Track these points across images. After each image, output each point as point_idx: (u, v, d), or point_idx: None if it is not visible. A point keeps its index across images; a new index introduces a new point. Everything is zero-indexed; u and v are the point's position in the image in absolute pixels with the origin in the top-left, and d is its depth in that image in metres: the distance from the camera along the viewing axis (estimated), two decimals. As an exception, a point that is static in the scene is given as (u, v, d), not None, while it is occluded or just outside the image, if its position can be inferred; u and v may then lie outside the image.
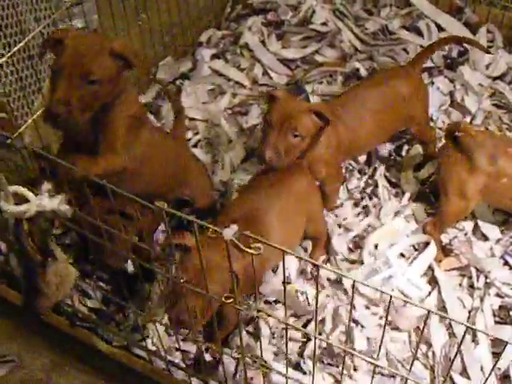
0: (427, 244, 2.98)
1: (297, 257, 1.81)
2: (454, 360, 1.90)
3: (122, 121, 2.35)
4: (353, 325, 2.76)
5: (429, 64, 3.83)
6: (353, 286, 1.73)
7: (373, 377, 2.07)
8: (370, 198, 3.22)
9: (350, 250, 3.03)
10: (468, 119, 3.54)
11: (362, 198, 3.21)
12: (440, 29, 4.04)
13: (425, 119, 3.26)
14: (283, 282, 2.20)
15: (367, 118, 3.01)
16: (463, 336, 1.73)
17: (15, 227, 1.93)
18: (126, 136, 2.37)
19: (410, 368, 1.95)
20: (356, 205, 3.19)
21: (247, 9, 4.26)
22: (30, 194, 1.88)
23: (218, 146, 3.41)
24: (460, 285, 2.92)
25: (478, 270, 2.92)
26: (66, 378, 2.78)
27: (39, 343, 2.87)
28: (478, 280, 2.89)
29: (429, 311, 1.69)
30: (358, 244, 3.04)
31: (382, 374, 2.65)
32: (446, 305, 2.80)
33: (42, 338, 2.88)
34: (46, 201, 1.88)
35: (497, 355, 2.67)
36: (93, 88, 2.17)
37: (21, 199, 1.88)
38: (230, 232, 1.67)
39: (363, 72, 3.75)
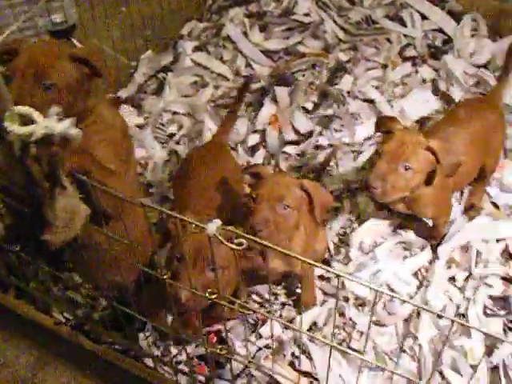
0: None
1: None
2: (441, 353, 1.87)
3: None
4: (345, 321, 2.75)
5: (412, 53, 3.81)
6: (338, 281, 1.72)
7: (359, 371, 2.09)
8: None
9: (337, 248, 3.00)
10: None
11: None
12: (424, 18, 4.02)
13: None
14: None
15: (467, 153, 2.82)
16: (449, 330, 1.71)
17: (21, 151, 1.79)
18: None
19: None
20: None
21: (229, 0, 4.22)
22: (36, 114, 1.73)
23: (200, 142, 3.36)
24: (453, 278, 2.88)
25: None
26: (51, 375, 2.75)
27: (23, 341, 2.84)
28: (475, 267, 2.86)
29: (418, 310, 1.66)
30: (343, 241, 3.01)
31: (370, 368, 2.62)
32: (433, 300, 2.77)
33: (25, 335, 2.85)
34: (54, 123, 1.73)
35: (488, 348, 2.66)
36: (49, 94, 2.01)
37: (28, 122, 1.74)
38: (213, 227, 1.66)
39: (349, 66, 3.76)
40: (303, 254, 2.50)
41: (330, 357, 2.05)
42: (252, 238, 1.69)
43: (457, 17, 4.00)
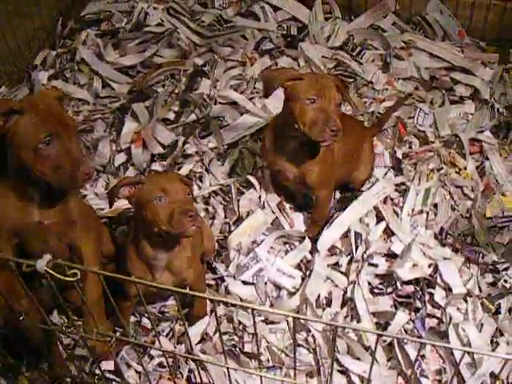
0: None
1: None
2: (335, 341, 1.84)
3: None
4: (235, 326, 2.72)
5: (269, 46, 3.81)
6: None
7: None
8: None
9: (218, 253, 2.97)
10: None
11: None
12: (276, 9, 4.04)
13: None
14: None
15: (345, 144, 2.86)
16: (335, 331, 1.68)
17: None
18: None
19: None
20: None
21: (80, 22, 4.14)
22: None
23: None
24: (337, 263, 2.88)
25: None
26: None
27: None
28: (356, 250, 2.85)
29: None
30: (222, 245, 2.98)
31: (267, 368, 2.60)
32: (318, 289, 2.77)
33: None
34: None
35: (380, 325, 2.68)
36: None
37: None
38: (42, 263, 1.61)
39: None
40: (194, 256, 2.53)
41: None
42: (87, 269, 1.65)
43: (309, 2, 4.02)
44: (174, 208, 2.20)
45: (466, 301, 2.68)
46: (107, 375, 2.53)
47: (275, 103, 3.38)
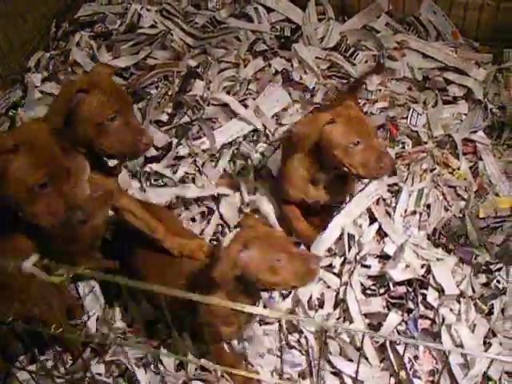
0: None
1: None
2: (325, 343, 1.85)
3: None
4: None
5: (262, 47, 3.80)
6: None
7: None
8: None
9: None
10: (308, 96, 3.53)
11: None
12: (269, 10, 4.02)
13: None
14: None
15: None
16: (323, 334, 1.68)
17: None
18: None
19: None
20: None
21: (74, 25, 4.11)
22: None
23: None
24: (330, 265, 2.87)
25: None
26: None
27: None
28: (348, 252, 2.84)
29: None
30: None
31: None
32: (310, 290, 2.77)
33: None
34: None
35: (372, 326, 2.67)
36: None
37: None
38: (28, 263, 1.62)
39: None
40: None
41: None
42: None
43: (303, 3, 4.00)
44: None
45: (458, 302, 2.68)
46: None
47: (268, 104, 3.41)
